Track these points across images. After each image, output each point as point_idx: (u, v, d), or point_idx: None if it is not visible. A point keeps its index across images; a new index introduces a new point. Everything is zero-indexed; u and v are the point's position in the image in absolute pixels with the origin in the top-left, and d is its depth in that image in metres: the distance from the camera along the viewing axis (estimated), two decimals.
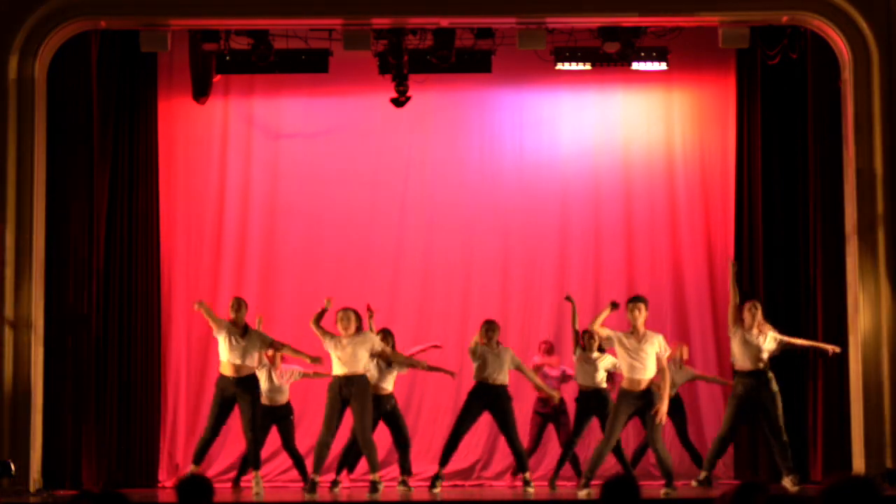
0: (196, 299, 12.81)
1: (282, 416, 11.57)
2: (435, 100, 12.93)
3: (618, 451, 11.24)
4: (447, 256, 13.11)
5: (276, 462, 12.46)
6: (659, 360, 10.57)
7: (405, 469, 11.35)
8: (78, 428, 11.81)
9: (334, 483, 11.48)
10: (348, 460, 11.60)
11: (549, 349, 12.28)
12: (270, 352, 11.38)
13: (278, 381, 11.54)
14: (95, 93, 12.18)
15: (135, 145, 12.67)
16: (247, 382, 10.96)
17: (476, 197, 13.17)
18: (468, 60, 12.00)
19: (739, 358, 10.72)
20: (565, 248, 13.10)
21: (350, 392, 10.66)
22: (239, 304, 11.10)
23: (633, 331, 10.58)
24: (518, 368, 11.24)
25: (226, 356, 10.94)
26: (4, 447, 10.67)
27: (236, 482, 11.72)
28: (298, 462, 11.64)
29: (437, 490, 11.05)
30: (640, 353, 10.50)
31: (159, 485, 12.37)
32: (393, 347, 11.32)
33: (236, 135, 13.21)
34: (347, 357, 10.69)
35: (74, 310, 11.89)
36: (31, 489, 10.77)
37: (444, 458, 11.20)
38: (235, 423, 11.24)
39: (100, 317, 12.23)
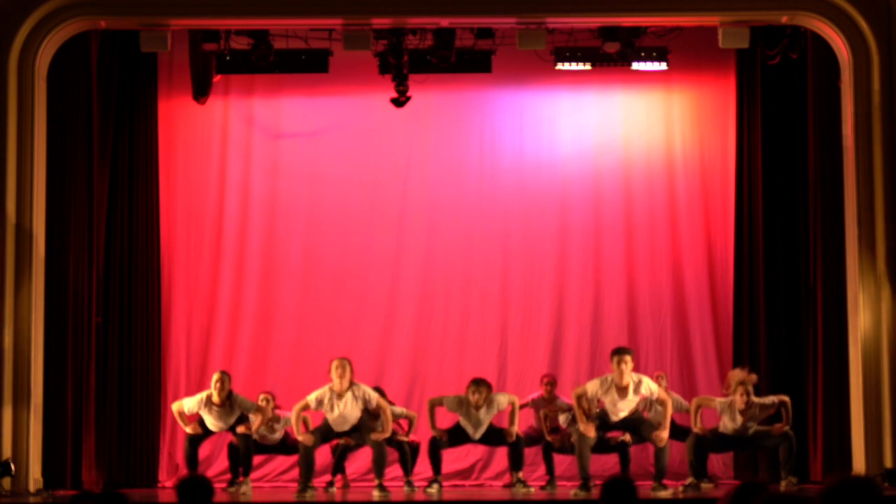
0: (196, 299, 12.87)
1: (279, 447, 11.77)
2: (435, 100, 12.92)
3: (623, 453, 11.34)
4: (447, 256, 13.10)
5: (276, 462, 12.48)
6: (657, 397, 10.92)
7: (407, 470, 11.41)
8: (78, 428, 11.80)
9: (329, 483, 11.50)
10: (340, 466, 11.68)
11: (552, 385, 11.95)
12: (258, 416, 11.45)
13: (271, 435, 11.62)
14: (95, 93, 12.17)
15: (135, 145, 12.66)
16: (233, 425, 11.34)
17: (476, 197, 13.17)
18: (468, 60, 12.00)
19: (724, 423, 11.03)
20: (565, 248, 13.08)
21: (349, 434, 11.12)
22: (223, 381, 11.21)
23: (617, 382, 10.80)
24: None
25: (207, 421, 11.29)
26: (4, 447, 10.67)
27: (231, 485, 11.69)
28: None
29: (432, 490, 11.10)
30: (623, 401, 10.83)
31: (159, 485, 12.38)
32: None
33: (236, 135, 13.21)
34: (340, 420, 10.94)
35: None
36: (31, 489, 10.76)
37: (434, 466, 11.32)
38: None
39: (99, 316, 12.23)
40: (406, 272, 13.09)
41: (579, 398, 10.84)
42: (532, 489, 11.29)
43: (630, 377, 10.76)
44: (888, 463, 10.63)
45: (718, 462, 12.28)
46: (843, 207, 11.30)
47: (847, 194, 11.20)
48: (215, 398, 11.18)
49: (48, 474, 11.15)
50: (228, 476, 11.76)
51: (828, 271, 11.80)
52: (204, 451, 11.95)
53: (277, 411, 11.63)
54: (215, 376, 11.29)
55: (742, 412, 10.87)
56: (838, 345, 11.50)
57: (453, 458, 12.15)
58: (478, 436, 11.32)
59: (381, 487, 10.77)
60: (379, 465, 10.90)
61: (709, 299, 12.89)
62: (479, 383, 11.20)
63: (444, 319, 13.00)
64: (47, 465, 11.18)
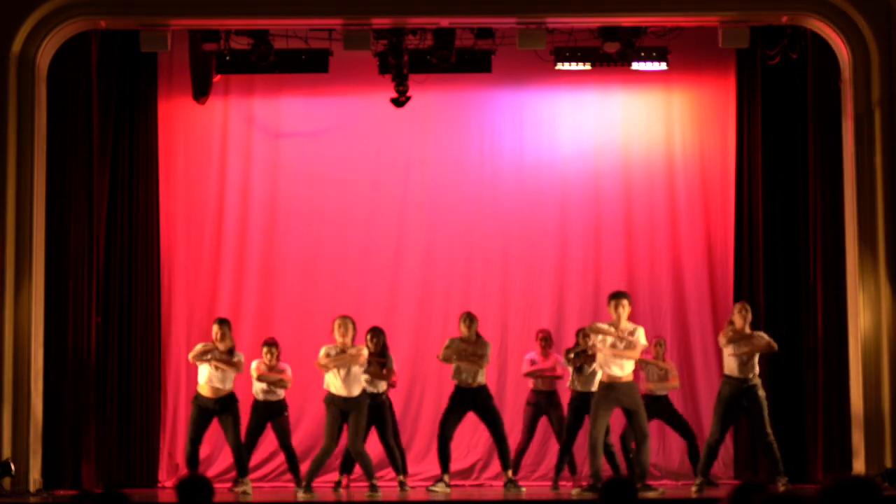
0: (196, 299, 12.88)
1: (276, 413, 11.61)
2: (435, 100, 12.92)
3: (609, 454, 11.25)
4: (447, 256, 13.11)
5: (276, 462, 12.47)
6: (639, 352, 10.83)
7: (400, 470, 11.37)
8: (78, 428, 11.80)
9: (337, 484, 11.50)
10: (347, 465, 11.66)
11: (547, 340, 12.04)
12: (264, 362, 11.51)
13: (272, 397, 11.60)
14: (95, 93, 12.17)
15: (135, 145, 12.66)
16: (226, 401, 11.14)
17: (476, 197, 13.17)
18: (468, 60, 12.00)
19: (729, 363, 10.85)
20: (565, 248, 13.09)
21: (349, 407, 10.84)
22: (223, 328, 11.15)
23: (615, 325, 10.71)
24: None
25: (205, 379, 11.13)
26: (4, 447, 10.67)
27: (236, 484, 11.69)
28: (292, 461, 11.64)
29: (436, 489, 11.08)
30: (619, 352, 10.70)
31: (159, 485, 12.38)
32: (384, 345, 11.28)
33: (236, 135, 13.21)
34: (343, 379, 10.86)
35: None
36: (31, 489, 10.76)
37: (443, 463, 11.24)
38: None
39: (99, 316, 12.23)
40: (406, 272, 13.10)
41: (595, 330, 10.78)
42: (524, 490, 11.26)
43: (627, 324, 10.73)
44: (888, 463, 10.63)
45: (718, 462, 12.27)
46: (843, 207, 11.30)
47: (847, 194, 11.21)
48: (218, 346, 11.12)
49: (48, 474, 11.15)
50: (229, 475, 11.76)
51: (828, 271, 11.81)
52: (204, 450, 11.94)
53: (280, 364, 11.60)
54: (214, 328, 11.16)
55: (740, 335, 10.80)
56: (838, 345, 11.50)
57: (453, 458, 12.13)
58: (479, 378, 11.17)
59: (375, 488, 10.75)
60: (367, 470, 10.88)
61: (709, 299, 12.90)
62: (470, 313, 11.34)
63: (444, 319, 12.98)
64: (47, 465, 11.18)
